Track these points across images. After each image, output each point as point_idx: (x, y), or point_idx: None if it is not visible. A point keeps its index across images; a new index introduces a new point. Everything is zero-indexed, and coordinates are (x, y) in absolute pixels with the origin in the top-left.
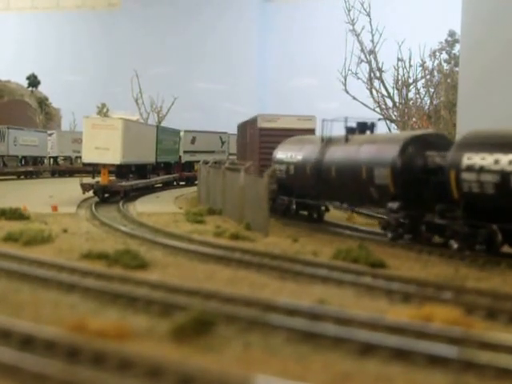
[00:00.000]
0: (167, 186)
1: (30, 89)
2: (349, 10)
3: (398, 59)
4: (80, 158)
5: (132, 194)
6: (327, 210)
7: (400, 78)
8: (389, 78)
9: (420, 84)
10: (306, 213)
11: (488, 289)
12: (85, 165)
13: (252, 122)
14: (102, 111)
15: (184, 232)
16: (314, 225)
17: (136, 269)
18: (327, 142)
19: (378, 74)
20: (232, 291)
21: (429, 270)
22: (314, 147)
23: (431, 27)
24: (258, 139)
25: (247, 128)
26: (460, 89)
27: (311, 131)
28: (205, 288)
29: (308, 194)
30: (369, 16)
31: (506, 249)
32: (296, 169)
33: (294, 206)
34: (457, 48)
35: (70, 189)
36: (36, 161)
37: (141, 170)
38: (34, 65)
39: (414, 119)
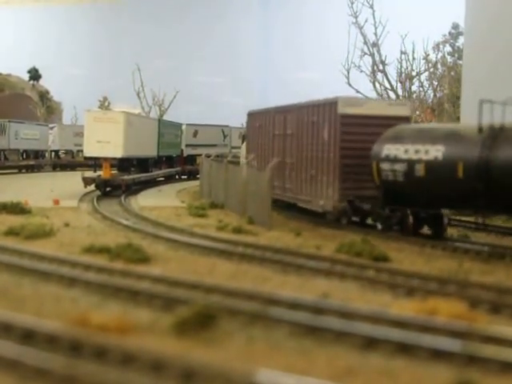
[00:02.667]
0: (169, 179)
1: (31, 82)
2: (352, 3)
3: (402, 52)
4: (81, 151)
5: (134, 188)
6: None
7: (403, 70)
8: (392, 71)
9: (423, 77)
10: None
11: (492, 283)
12: (86, 158)
13: (314, 106)
14: (104, 105)
15: (186, 226)
16: (316, 219)
17: (138, 263)
18: (495, 132)
19: (381, 67)
20: (234, 285)
21: (432, 264)
22: (466, 140)
23: (435, 20)
24: (337, 130)
25: (290, 115)
26: (464, 82)
27: (405, 119)
28: (207, 282)
29: (453, 203)
30: (372, 8)
31: (508, 242)
32: (430, 169)
33: (411, 220)
34: (460, 41)
35: (72, 182)
36: (37, 154)
37: (143, 164)
38: (35, 58)
39: (417, 112)
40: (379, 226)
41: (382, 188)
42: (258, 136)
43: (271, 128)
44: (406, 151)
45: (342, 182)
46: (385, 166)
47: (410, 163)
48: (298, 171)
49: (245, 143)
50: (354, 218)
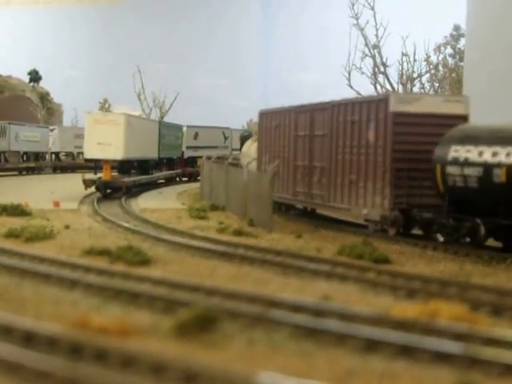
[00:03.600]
0: (170, 181)
1: (32, 84)
2: (353, 4)
3: (403, 54)
4: (82, 153)
5: (134, 190)
6: None
7: (404, 72)
8: (393, 73)
9: (425, 78)
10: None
11: (493, 285)
12: (87, 160)
13: (355, 103)
14: (104, 106)
15: (187, 228)
16: (317, 221)
17: (138, 265)
18: None
19: (382, 69)
20: (235, 287)
21: (433, 267)
22: None
23: (436, 21)
24: (388, 130)
25: (320, 114)
26: (465, 83)
27: (463, 118)
28: (208, 284)
29: None
30: (373, 10)
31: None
32: None
33: (483, 232)
34: (462, 42)
35: (72, 185)
36: (38, 156)
37: (143, 166)
38: (35, 60)
39: None
40: (440, 238)
41: (448, 195)
42: (274, 137)
43: (292, 128)
44: (481, 154)
45: (394, 188)
46: (452, 170)
47: (487, 167)
48: (330, 176)
49: (251, 145)
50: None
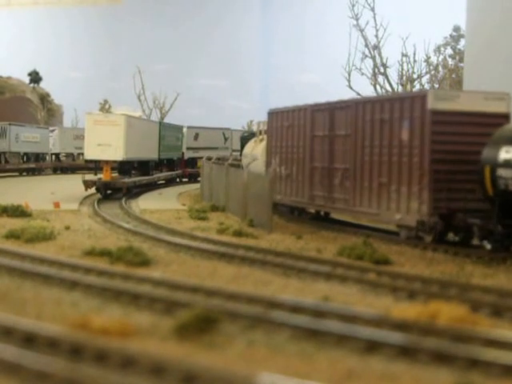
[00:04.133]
0: (170, 182)
1: (32, 85)
2: (353, 5)
3: (403, 54)
4: (82, 154)
5: (135, 191)
6: None
7: (404, 73)
8: (393, 74)
9: (425, 79)
10: None
11: (493, 286)
12: (87, 161)
13: (385, 101)
14: (104, 107)
15: (187, 229)
16: (317, 222)
17: (139, 266)
18: None
19: (382, 70)
20: (235, 288)
21: (434, 267)
22: None
23: (436, 22)
24: (426, 129)
25: (343, 113)
26: (465, 84)
27: (504, 117)
28: (208, 285)
29: None
30: (373, 11)
31: None
32: None
33: None
34: (462, 43)
35: (72, 185)
36: (38, 157)
37: (143, 167)
38: (35, 61)
39: None
40: (487, 246)
41: (498, 199)
42: (286, 138)
43: (308, 128)
44: None
45: (433, 192)
46: (504, 172)
47: None
48: (355, 179)
49: (255, 146)
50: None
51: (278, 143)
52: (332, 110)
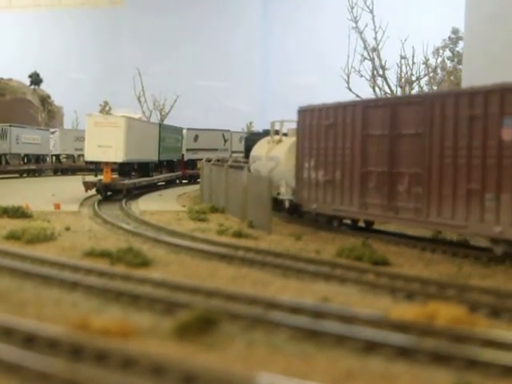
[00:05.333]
0: (170, 184)
1: (33, 87)
2: (352, 8)
3: (401, 57)
4: (82, 156)
5: (135, 192)
6: None
7: (403, 75)
8: (392, 76)
9: (423, 82)
10: None
11: (492, 287)
12: (87, 163)
13: (478, 93)
14: (105, 109)
15: (187, 230)
16: (316, 223)
17: (139, 267)
18: None
19: (381, 72)
20: (235, 289)
21: (432, 268)
22: None
23: (434, 24)
24: None
25: (411, 109)
26: (463, 86)
27: None
28: (208, 286)
29: None
30: (372, 13)
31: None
32: None
33: None
34: (460, 45)
35: (73, 187)
36: (38, 159)
37: (143, 168)
38: (36, 63)
39: None
40: None
41: None
42: (326, 138)
43: (359, 127)
44: None
45: None
46: None
47: None
48: (431, 185)
49: (273, 148)
50: None
51: (314, 145)
52: (394, 105)
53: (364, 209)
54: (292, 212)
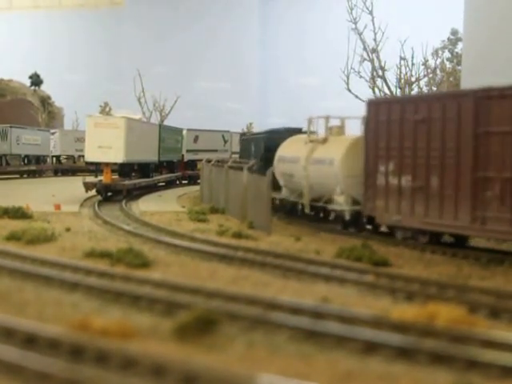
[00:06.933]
0: (170, 184)
1: (33, 88)
2: (351, 9)
3: (401, 58)
4: (83, 156)
5: (135, 193)
6: None
7: (402, 76)
8: (391, 77)
9: (423, 82)
10: None
11: (491, 287)
12: (87, 163)
13: None
14: (105, 110)
15: (187, 231)
16: (316, 224)
17: (139, 267)
18: None
19: (380, 73)
20: (235, 290)
21: (432, 269)
22: None
23: (434, 26)
24: None
25: None
26: (463, 87)
27: None
28: (208, 286)
29: None
30: (371, 14)
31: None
32: None
33: None
34: (459, 46)
35: (73, 188)
36: (39, 160)
37: (143, 169)
38: (36, 64)
39: None
40: None
41: None
42: (414, 136)
43: (469, 122)
44: None
45: None
46: None
47: None
48: None
49: (317, 148)
50: None
51: (394, 144)
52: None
53: (479, 223)
54: (347, 226)
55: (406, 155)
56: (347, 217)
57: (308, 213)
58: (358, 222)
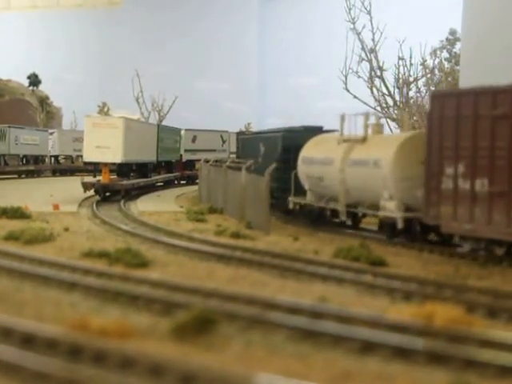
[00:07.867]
0: (168, 184)
1: (31, 88)
2: (349, 9)
3: (399, 58)
4: (81, 156)
5: (133, 193)
6: None
7: (401, 76)
8: (390, 77)
9: (421, 82)
10: None
11: (489, 287)
12: (86, 163)
13: None
14: (103, 110)
15: (185, 230)
16: (314, 223)
17: (137, 267)
18: None
19: (378, 73)
20: (233, 289)
21: (429, 269)
22: None
23: (432, 25)
24: None
25: None
26: (461, 87)
27: None
28: (206, 286)
29: None
30: (369, 14)
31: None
32: None
33: None
34: (458, 46)
35: (71, 188)
36: (37, 160)
37: (142, 169)
38: (34, 64)
39: (414, 118)
40: None
41: None
42: (492, 134)
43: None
44: None
45: None
46: None
47: None
48: None
49: (355, 148)
50: None
51: (465, 143)
52: None
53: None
54: (396, 235)
55: (482, 156)
56: (400, 225)
57: (343, 220)
58: (410, 231)
